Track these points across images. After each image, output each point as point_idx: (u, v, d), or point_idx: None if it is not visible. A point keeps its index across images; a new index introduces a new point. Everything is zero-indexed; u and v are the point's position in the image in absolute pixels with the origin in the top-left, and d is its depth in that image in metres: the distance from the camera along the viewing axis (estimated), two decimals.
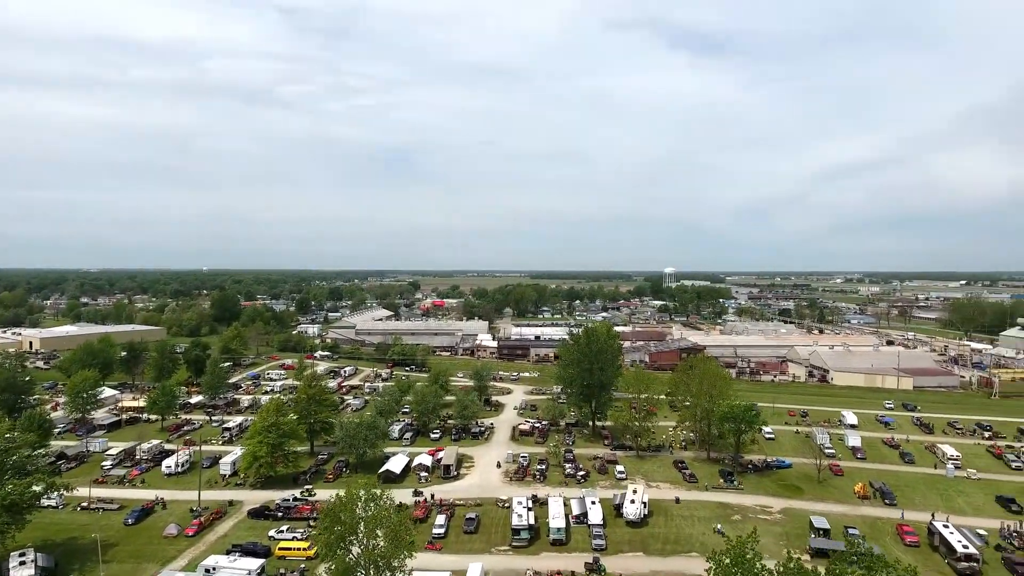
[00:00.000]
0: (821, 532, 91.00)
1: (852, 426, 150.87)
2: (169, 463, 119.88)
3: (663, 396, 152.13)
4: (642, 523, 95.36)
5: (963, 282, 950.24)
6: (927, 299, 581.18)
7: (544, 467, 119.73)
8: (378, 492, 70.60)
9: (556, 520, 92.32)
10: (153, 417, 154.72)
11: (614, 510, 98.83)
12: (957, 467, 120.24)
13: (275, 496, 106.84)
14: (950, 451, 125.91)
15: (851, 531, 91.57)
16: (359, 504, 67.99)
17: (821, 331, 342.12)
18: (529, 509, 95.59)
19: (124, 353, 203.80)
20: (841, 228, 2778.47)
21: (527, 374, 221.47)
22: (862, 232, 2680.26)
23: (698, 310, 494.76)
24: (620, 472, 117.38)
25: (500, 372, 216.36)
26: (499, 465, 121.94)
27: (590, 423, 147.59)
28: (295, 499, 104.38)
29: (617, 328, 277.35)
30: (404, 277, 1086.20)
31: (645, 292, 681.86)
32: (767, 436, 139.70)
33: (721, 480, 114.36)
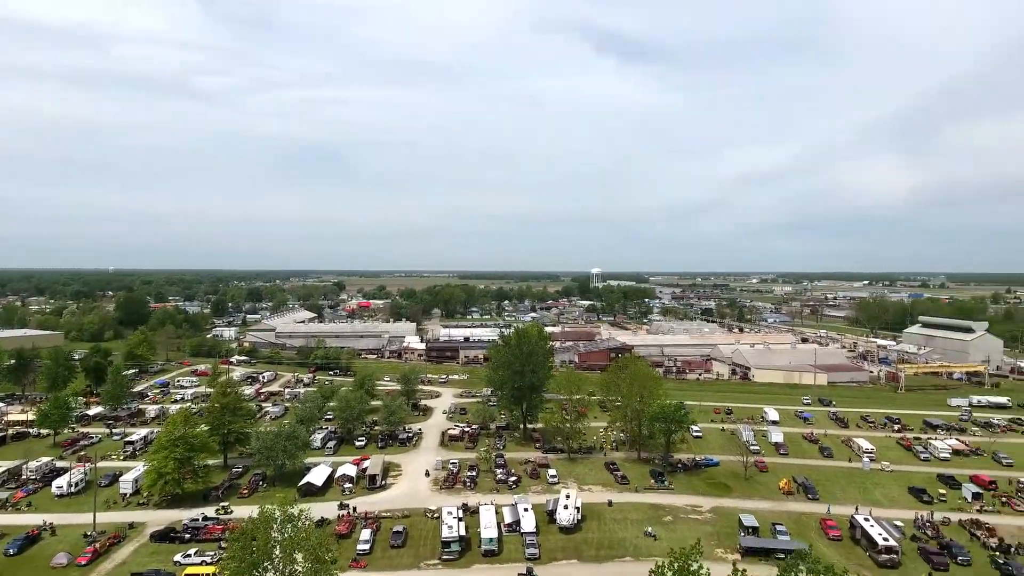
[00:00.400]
0: (750, 530, 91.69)
1: (774, 422, 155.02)
2: (60, 483, 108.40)
3: (594, 397, 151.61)
4: (575, 529, 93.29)
5: (866, 282, 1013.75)
6: (835, 298, 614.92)
7: (475, 473, 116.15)
8: (296, 511, 64.97)
9: (488, 530, 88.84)
10: (44, 432, 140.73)
11: (547, 516, 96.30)
12: (872, 460, 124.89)
13: (183, 516, 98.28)
14: (865, 444, 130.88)
15: (778, 528, 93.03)
16: (274, 525, 62.26)
17: (741, 330, 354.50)
18: (459, 519, 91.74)
19: (12, 361, 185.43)
20: (756, 231, 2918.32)
21: (456, 376, 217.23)
22: (775, 234, 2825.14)
23: (624, 310, 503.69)
24: (552, 476, 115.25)
25: (429, 375, 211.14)
26: (428, 474, 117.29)
27: (521, 426, 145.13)
28: (205, 518, 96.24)
29: (546, 328, 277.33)
30: (329, 277, 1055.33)
31: (573, 292, 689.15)
32: (695, 434, 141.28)
33: (652, 480, 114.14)
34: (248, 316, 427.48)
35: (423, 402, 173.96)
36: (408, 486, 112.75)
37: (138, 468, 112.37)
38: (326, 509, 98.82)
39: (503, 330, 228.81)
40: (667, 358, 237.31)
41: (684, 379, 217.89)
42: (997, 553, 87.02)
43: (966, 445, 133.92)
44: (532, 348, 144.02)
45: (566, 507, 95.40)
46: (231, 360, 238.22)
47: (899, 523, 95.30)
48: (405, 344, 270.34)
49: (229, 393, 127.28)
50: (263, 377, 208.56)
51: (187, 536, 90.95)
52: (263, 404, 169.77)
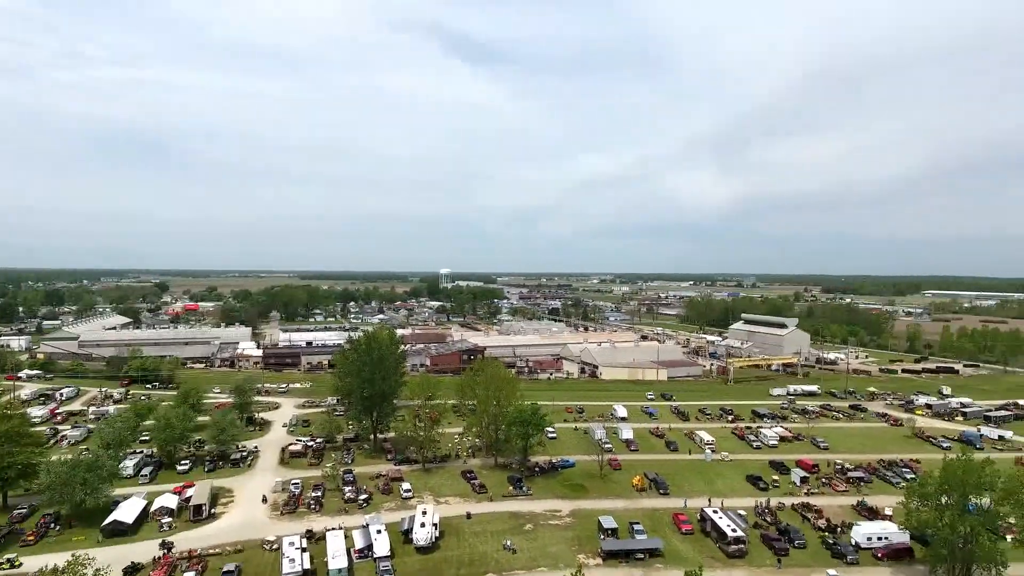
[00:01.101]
0: (610, 532, 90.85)
1: (623, 419, 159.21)
2: None
3: (448, 401, 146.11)
4: (433, 548, 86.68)
5: (691, 283, 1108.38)
6: (667, 297, 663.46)
7: (320, 493, 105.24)
8: (93, 557, 52.10)
9: (336, 559, 79.48)
10: None
11: (402, 536, 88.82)
12: (713, 451, 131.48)
13: None
14: (706, 437, 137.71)
15: (636, 527, 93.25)
16: None
17: (587, 328, 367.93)
18: (303, 549, 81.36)
19: None
20: (595, 233, 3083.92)
21: (298, 385, 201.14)
22: (612, 237, 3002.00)
23: (474, 310, 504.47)
24: (406, 490, 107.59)
25: (267, 384, 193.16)
26: (265, 499, 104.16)
27: (372, 437, 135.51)
28: None
29: (396, 331, 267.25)
30: (149, 278, 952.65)
31: (422, 293, 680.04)
32: (550, 435, 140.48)
33: (511, 487, 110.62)
34: (45, 323, 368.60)
35: (260, 415, 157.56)
36: (242, 514, 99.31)
37: None
38: (139, 551, 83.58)
39: (351, 333, 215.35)
40: (519, 358, 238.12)
41: (536, 379, 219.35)
42: (826, 533, 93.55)
43: (789, 432, 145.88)
44: (382, 353, 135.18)
45: (423, 525, 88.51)
46: (19, 375, 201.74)
47: (742, 512, 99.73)
48: (239, 351, 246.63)
49: (10, 416, 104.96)
50: (61, 394, 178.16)
51: None
52: (60, 427, 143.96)
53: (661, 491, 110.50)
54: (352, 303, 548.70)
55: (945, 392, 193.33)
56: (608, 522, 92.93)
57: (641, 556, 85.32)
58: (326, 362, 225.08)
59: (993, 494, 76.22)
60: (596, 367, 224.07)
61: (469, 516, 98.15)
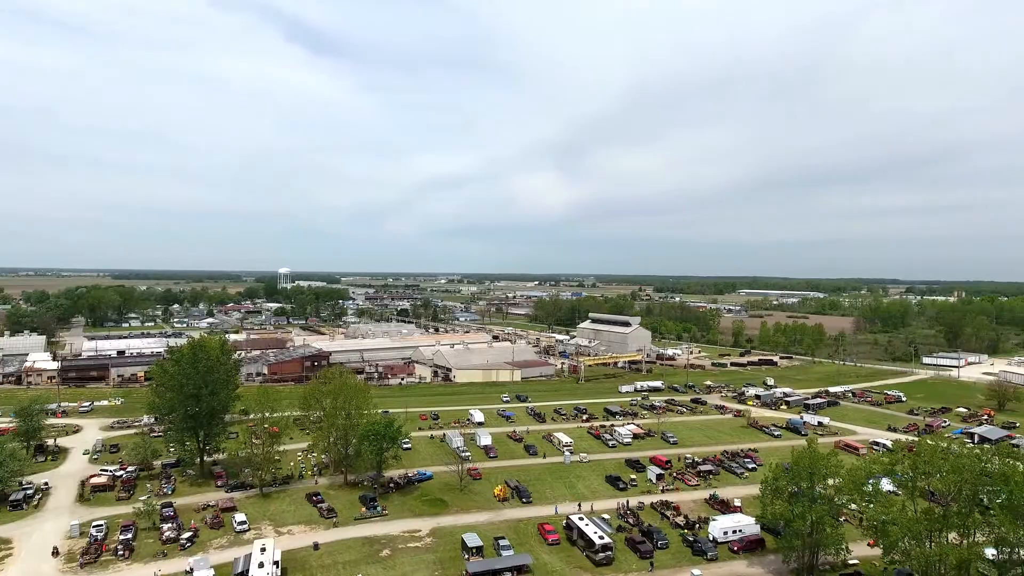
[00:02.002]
0: (475, 551, 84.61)
1: (480, 424, 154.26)
2: None
3: (291, 414, 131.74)
4: None
5: (536, 283, 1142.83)
6: (515, 297, 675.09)
7: (131, 535, 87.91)
8: None
9: None
10: None
11: None
12: (571, 452, 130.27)
13: None
14: (564, 438, 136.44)
15: (501, 542, 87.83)
16: None
17: (438, 329, 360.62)
18: None
19: None
20: (443, 233, 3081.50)
21: (107, 402, 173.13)
22: (459, 237, 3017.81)
23: (317, 312, 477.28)
24: (241, 522, 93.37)
25: (64, 403, 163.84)
26: (56, 552, 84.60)
27: (198, 460, 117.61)
28: None
29: (229, 336, 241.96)
30: None
31: (258, 294, 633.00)
32: (405, 446, 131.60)
33: (363, 508, 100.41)
34: None
35: (53, 441, 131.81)
36: (23, 572, 79.89)
37: None
38: None
39: (169, 340, 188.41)
40: (368, 363, 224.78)
41: (387, 385, 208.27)
42: (686, 530, 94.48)
43: (641, 428, 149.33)
44: (211, 363, 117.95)
45: (261, 564, 76.08)
46: None
47: (606, 516, 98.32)
48: (29, 364, 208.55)
49: None
50: None
51: None
52: None
53: (524, 499, 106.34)
54: (176, 306, 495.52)
55: (769, 383, 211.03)
56: (472, 539, 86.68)
57: (509, 575, 79.98)
58: (143, 374, 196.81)
59: (839, 481, 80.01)
60: (450, 370, 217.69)
61: (317, 547, 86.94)
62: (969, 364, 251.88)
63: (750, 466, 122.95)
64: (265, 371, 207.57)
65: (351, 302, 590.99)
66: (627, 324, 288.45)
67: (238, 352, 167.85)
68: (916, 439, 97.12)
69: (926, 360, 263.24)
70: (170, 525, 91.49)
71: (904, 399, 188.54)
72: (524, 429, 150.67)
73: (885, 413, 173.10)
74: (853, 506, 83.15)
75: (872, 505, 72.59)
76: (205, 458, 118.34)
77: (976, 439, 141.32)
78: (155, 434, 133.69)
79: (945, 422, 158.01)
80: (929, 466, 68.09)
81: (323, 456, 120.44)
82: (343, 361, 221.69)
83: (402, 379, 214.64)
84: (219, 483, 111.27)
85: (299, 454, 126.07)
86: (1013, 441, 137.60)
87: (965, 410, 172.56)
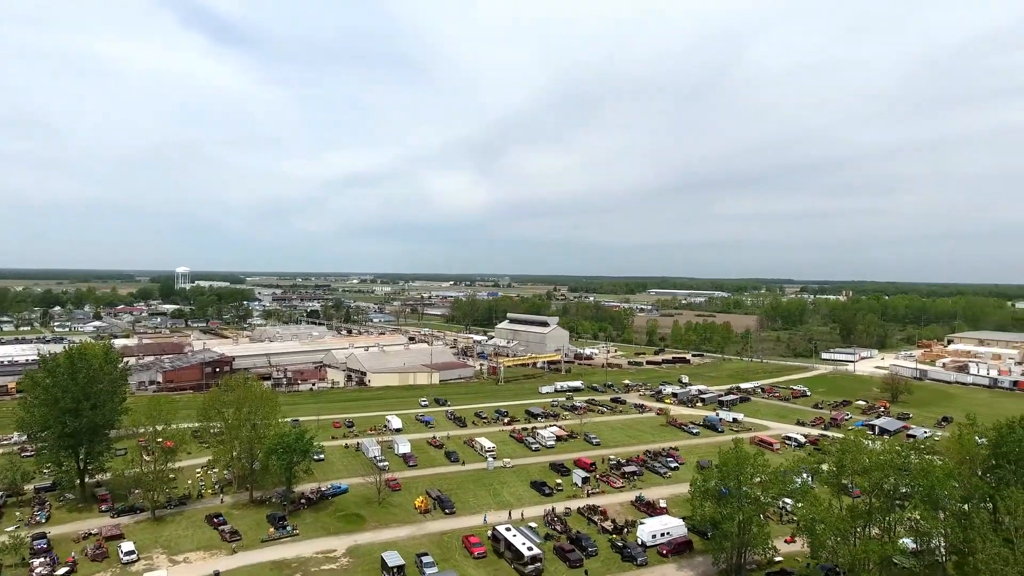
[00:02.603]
0: (396, 570, 78.66)
1: (398, 430, 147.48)
2: None
3: (189, 425, 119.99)
4: None
5: (452, 282, 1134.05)
6: (431, 297, 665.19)
7: None
8: None
9: None
10: None
11: None
12: (494, 458, 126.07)
13: None
14: (486, 443, 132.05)
15: (424, 559, 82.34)
16: None
17: (350, 331, 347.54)
18: None
19: None
20: (355, 232, 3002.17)
21: None
22: (373, 236, 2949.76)
23: (220, 314, 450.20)
24: (128, 552, 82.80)
25: None
26: None
27: (78, 482, 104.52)
28: None
29: (119, 342, 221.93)
30: None
31: (153, 295, 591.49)
32: (317, 457, 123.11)
33: (271, 528, 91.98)
34: None
35: None
36: None
37: None
38: None
39: (40, 349, 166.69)
40: (276, 368, 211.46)
41: (297, 391, 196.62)
42: (614, 536, 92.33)
43: (564, 430, 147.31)
44: (93, 373, 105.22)
45: None
46: None
47: (533, 524, 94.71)
48: None
49: None
50: None
51: None
52: None
53: (447, 510, 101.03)
54: (57, 308, 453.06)
55: (684, 381, 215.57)
56: (392, 558, 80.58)
57: None
58: (13, 385, 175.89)
59: (765, 479, 79.93)
60: (364, 374, 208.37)
61: (218, 575, 78.25)
62: (862, 359, 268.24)
63: (672, 465, 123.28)
64: (160, 379, 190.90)
65: (257, 303, 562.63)
66: (545, 324, 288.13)
67: (126, 360, 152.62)
68: (840, 435, 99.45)
69: (824, 356, 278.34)
70: (43, 560, 79.88)
71: (808, 393, 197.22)
72: (444, 434, 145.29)
73: (793, 408, 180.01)
74: (787, 503, 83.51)
75: (800, 504, 72.62)
76: (86, 479, 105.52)
77: (877, 430, 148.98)
78: (26, 454, 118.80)
79: (847, 415, 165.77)
80: (855, 463, 68.70)
81: (225, 472, 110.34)
82: (248, 366, 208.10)
83: (313, 384, 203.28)
84: (103, 507, 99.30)
85: (198, 471, 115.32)
86: (909, 431, 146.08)
87: (864, 403, 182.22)
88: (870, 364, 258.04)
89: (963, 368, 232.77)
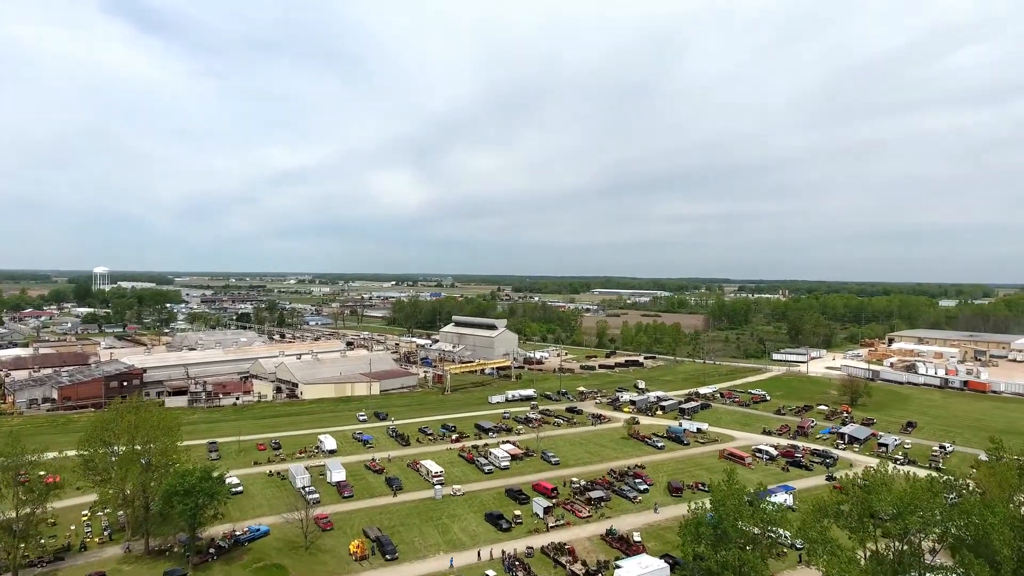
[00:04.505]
0: None
1: (332, 452, 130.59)
2: None
3: (77, 452, 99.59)
4: None
5: (393, 283, 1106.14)
6: (371, 298, 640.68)
7: None
8: None
9: None
10: None
11: None
12: (442, 484, 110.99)
13: None
14: (433, 467, 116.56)
15: None
16: None
17: (283, 336, 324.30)
18: None
19: None
20: (292, 230, 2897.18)
21: None
22: (311, 235, 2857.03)
23: (139, 318, 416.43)
24: None
25: None
26: None
27: None
28: None
29: (8, 352, 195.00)
30: None
31: (67, 297, 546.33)
32: (235, 490, 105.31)
33: None
34: None
35: None
36: None
37: None
38: None
39: None
40: (194, 380, 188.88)
41: (218, 406, 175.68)
42: None
43: (519, 447, 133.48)
44: None
45: None
46: None
47: (490, 573, 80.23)
48: None
49: None
50: None
51: None
52: None
53: (388, 555, 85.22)
54: None
55: (641, 386, 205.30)
56: None
57: None
58: None
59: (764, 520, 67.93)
60: (296, 385, 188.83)
61: None
62: (813, 359, 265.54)
63: (641, 487, 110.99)
64: (55, 395, 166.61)
65: (183, 306, 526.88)
66: (493, 327, 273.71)
67: (6, 372, 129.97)
68: (838, 482, 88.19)
69: (775, 356, 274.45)
70: None
71: (768, 398, 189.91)
72: (385, 456, 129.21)
73: (755, 414, 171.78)
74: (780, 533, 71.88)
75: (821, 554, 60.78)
76: None
77: (847, 439, 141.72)
78: None
79: (812, 421, 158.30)
80: (883, 503, 56.92)
81: (119, 514, 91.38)
82: (162, 379, 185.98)
83: (237, 398, 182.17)
84: None
85: (84, 513, 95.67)
86: (880, 440, 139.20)
87: (825, 407, 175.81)
88: (821, 364, 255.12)
89: (911, 368, 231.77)
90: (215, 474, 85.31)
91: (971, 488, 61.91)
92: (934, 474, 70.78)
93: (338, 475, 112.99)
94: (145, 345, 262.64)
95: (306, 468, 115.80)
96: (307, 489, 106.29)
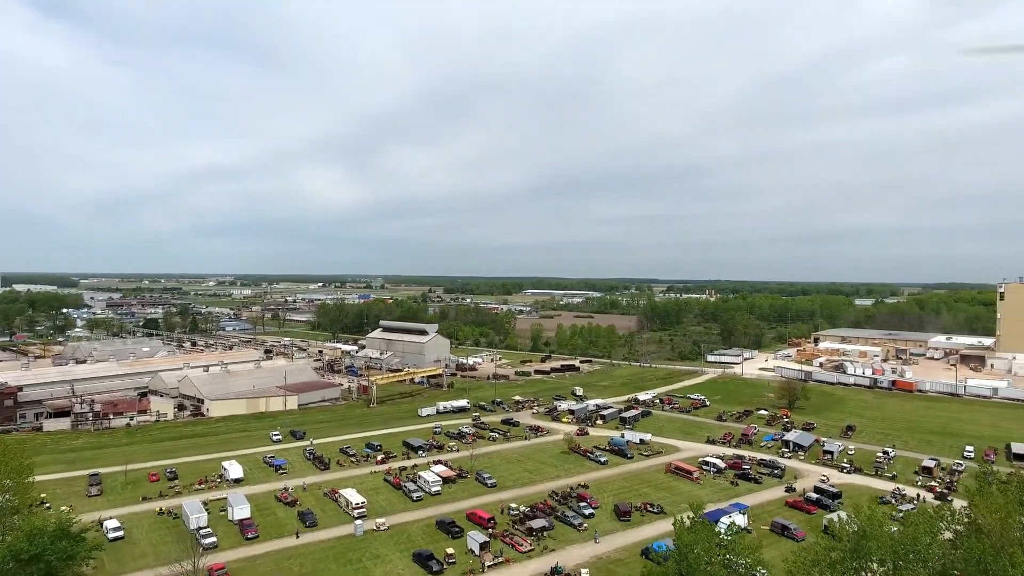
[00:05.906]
0: None
1: (237, 481, 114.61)
2: None
3: None
4: None
5: (320, 284, 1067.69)
6: (295, 301, 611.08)
7: None
8: None
9: None
10: None
11: None
12: (364, 518, 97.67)
13: None
14: (354, 498, 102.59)
15: None
16: None
17: (195, 344, 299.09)
18: None
19: None
20: (213, 230, 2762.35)
21: None
22: (232, 235, 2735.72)
23: (31, 326, 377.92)
24: None
25: None
26: None
27: None
28: None
29: None
30: None
31: None
32: (113, 535, 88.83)
33: None
34: None
35: None
36: None
37: None
38: None
39: None
40: (80, 399, 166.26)
41: (108, 429, 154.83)
42: None
43: (451, 468, 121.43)
44: None
45: None
46: None
47: None
48: None
49: None
50: None
51: None
52: None
53: None
54: None
55: (578, 393, 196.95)
56: None
57: None
58: None
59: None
60: (202, 401, 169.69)
61: None
62: (746, 360, 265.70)
63: (587, 511, 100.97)
64: None
65: (86, 310, 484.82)
66: (423, 332, 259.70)
67: None
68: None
69: (710, 358, 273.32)
70: None
71: (708, 403, 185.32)
72: (300, 483, 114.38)
73: (697, 421, 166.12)
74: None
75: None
76: None
77: (791, 447, 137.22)
78: None
79: (755, 428, 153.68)
80: (881, 550, 48.66)
81: None
82: (42, 398, 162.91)
83: (132, 418, 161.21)
84: None
85: None
86: (824, 447, 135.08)
87: (765, 412, 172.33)
88: (754, 365, 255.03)
89: (840, 368, 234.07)
90: (73, 530, 69.13)
91: (971, 520, 54.85)
92: (930, 510, 63.31)
93: (241, 512, 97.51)
94: (27, 357, 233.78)
95: (204, 504, 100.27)
96: (202, 531, 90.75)
